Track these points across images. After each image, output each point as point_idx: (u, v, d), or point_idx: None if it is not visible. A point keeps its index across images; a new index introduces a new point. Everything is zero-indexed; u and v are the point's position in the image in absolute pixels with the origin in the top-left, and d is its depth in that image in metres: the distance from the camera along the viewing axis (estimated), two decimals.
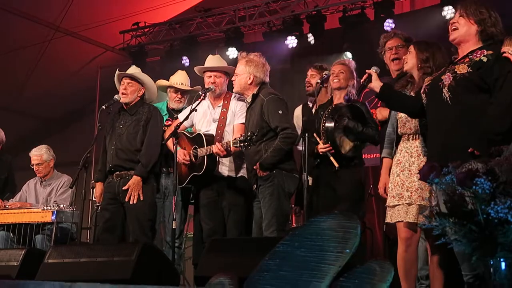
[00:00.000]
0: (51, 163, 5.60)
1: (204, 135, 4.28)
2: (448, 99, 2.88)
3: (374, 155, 4.48)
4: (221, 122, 4.33)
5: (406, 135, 3.30)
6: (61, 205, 5.04)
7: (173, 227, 4.02)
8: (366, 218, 4.73)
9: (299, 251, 1.72)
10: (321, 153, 4.06)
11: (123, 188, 4.24)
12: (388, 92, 3.21)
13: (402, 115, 3.31)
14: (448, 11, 6.16)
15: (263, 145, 4.05)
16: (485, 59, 2.83)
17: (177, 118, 4.64)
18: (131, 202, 4.21)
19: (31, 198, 5.53)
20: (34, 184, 5.62)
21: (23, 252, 3.63)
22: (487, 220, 2.17)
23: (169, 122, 4.73)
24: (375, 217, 6.04)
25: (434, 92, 2.95)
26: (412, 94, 3.26)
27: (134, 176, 4.24)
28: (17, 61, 7.84)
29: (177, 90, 4.93)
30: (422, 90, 3.06)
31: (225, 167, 4.26)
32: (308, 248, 1.71)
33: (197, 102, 4.23)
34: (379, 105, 4.00)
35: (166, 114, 4.84)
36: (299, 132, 4.02)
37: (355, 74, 4.24)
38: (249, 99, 4.20)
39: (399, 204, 3.21)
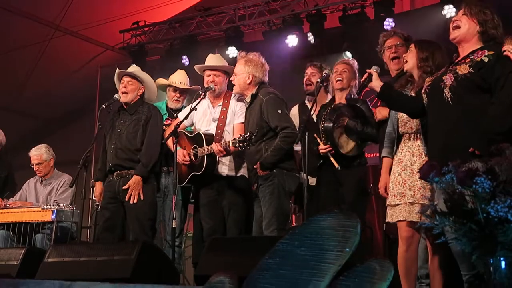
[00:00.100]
0: (51, 162, 5.60)
1: (204, 134, 4.28)
2: (449, 99, 2.88)
3: (374, 154, 4.47)
4: (221, 122, 4.33)
5: (407, 135, 3.30)
6: (61, 204, 5.05)
7: (173, 226, 4.02)
8: (365, 217, 4.72)
9: (299, 250, 1.72)
10: (322, 154, 4.09)
11: (123, 188, 4.24)
12: (389, 92, 3.21)
13: (403, 114, 3.31)
14: (448, 10, 6.16)
15: (263, 144, 4.05)
16: (486, 59, 2.83)
17: (176, 117, 4.64)
18: (131, 202, 4.21)
19: (31, 197, 5.54)
20: (34, 183, 5.62)
21: (23, 251, 3.64)
22: (487, 219, 2.17)
23: (169, 121, 4.74)
24: (375, 216, 6.04)
25: (435, 92, 2.95)
26: (412, 93, 3.26)
27: (135, 176, 4.23)
28: (17, 60, 7.84)
29: (176, 89, 4.93)
30: (423, 90, 3.06)
31: (225, 166, 4.27)
32: (308, 247, 1.70)
33: (196, 101, 4.23)
34: (379, 104, 4.00)
35: (165, 114, 4.84)
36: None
37: (357, 74, 4.25)
38: (248, 99, 4.20)
39: (401, 203, 3.21)
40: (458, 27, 2.97)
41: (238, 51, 6.25)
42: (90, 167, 4.94)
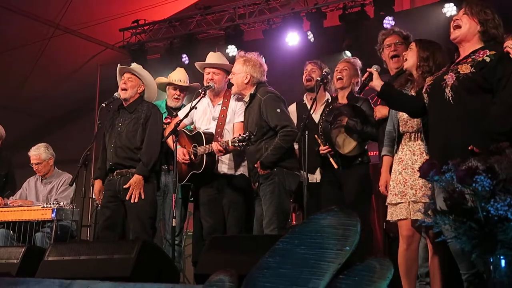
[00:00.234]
0: (51, 161, 5.60)
1: (204, 133, 4.28)
2: (450, 98, 2.88)
3: (374, 153, 4.47)
4: (221, 120, 4.33)
5: (407, 134, 3.30)
6: (61, 203, 5.05)
7: (173, 225, 4.02)
8: (369, 216, 4.72)
9: (299, 248, 1.71)
10: (322, 155, 4.12)
11: (124, 187, 4.24)
12: (389, 91, 3.21)
13: (403, 113, 3.31)
14: (448, 9, 6.15)
15: (264, 143, 4.05)
16: (488, 59, 2.83)
17: (176, 116, 4.64)
18: (132, 201, 4.20)
19: (32, 196, 5.54)
20: (35, 182, 5.62)
21: (23, 249, 3.63)
22: (487, 217, 2.17)
23: (168, 120, 4.74)
24: (375, 215, 6.03)
25: (436, 92, 2.95)
26: (412, 92, 3.26)
27: (136, 175, 4.23)
28: (16, 59, 7.83)
29: (175, 87, 4.92)
30: (424, 90, 3.06)
31: (225, 165, 4.27)
32: (308, 246, 1.70)
33: (196, 99, 4.23)
34: (378, 103, 4.00)
35: (165, 112, 4.84)
36: None
37: (359, 72, 4.25)
38: (246, 99, 4.21)
39: (401, 202, 3.21)
40: (458, 26, 2.97)
41: (238, 49, 6.25)
42: (90, 165, 4.93)
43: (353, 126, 4.08)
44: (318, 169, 4.34)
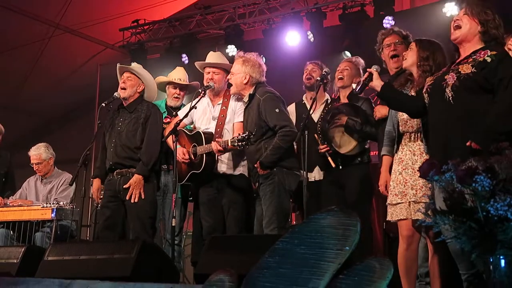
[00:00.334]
0: (51, 161, 5.60)
1: (204, 133, 4.28)
2: (450, 98, 2.87)
3: (373, 152, 4.47)
4: (221, 120, 4.32)
5: (407, 134, 3.30)
6: (61, 203, 5.05)
7: (173, 225, 4.02)
8: (370, 216, 4.72)
9: (298, 248, 1.71)
10: (320, 154, 4.13)
11: (124, 187, 4.23)
12: (389, 92, 3.20)
13: (403, 113, 3.31)
14: (449, 8, 6.14)
15: (263, 143, 4.05)
16: (489, 59, 2.83)
17: (175, 115, 4.64)
18: (132, 201, 4.20)
19: (31, 196, 5.54)
20: (35, 181, 5.62)
21: (23, 249, 3.63)
22: (487, 217, 2.17)
23: (168, 120, 4.73)
24: (375, 215, 6.03)
25: (437, 92, 2.95)
26: (412, 92, 3.25)
27: (136, 175, 4.22)
28: (17, 58, 7.83)
29: (175, 86, 4.92)
30: (424, 90, 3.06)
31: (224, 165, 4.27)
32: (308, 246, 1.70)
33: (196, 99, 4.23)
34: (378, 103, 4.00)
35: (164, 112, 4.84)
36: None
37: (361, 72, 4.25)
38: (245, 99, 4.21)
39: (402, 202, 3.21)
40: (459, 27, 2.97)
41: (238, 49, 6.25)
42: (90, 165, 4.93)
43: (352, 126, 4.08)
44: (317, 167, 4.34)
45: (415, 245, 3.23)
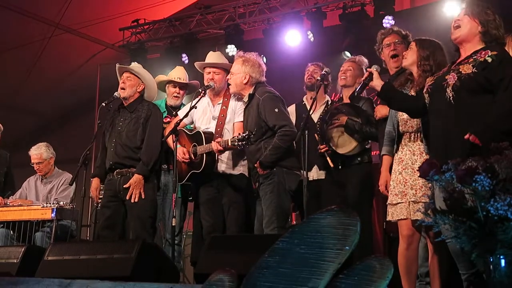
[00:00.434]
0: (51, 161, 5.60)
1: (204, 132, 4.29)
2: (451, 98, 2.87)
3: (374, 152, 4.47)
4: (221, 120, 4.33)
5: (407, 134, 3.30)
6: (61, 203, 5.05)
7: (173, 225, 4.02)
8: (371, 216, 4.73)
9: (298, 248, 1.71)
10: (319, 153, 4.13)
11: (124, 186, 4.23)
12: (389, 91, 3.20)
13: (403, 113, 3.31)
14: (449, 8, 6.14)
15: (263, 143, 4.05)
16: (490, 60, 2.83)
17: (175, 115, 4.64)
18: (132, 200, 4.20)
19: (32, 195, 5.54)
20: (35, 181, 5.62)
21: (23, 249, 3.63)
22: (487, 217, 2.17)
23: (168, 119, 4.74)
24: (375, 214, 6.03)
25: (437, 92, 2.95)
26: (412, 92, 3.25)
27: (136, 175, 4.22)
28: (16, 58, 7.83)
29: (175, 85, 4.92)
30: (425, 90, 3.06)
31: (224, 165, 4.27)
32: (308, 245, 1.70)
33: (196, 99, 4.23)
34: (378, 102, 4.00)
35: (164, 111, 4.84)
36: None
37: (365, 71, 4.24)
38: (245, 99, 4.21)
39: (402, 202, 3.21)
40: (459, 27, 2.97)
41: (238, 49, 6.25)
42: (90, 165, 4.92)
43: (352, 126, 4.08)
44: (315, 166, 4.35)
45: (415, 245, 3.23)
